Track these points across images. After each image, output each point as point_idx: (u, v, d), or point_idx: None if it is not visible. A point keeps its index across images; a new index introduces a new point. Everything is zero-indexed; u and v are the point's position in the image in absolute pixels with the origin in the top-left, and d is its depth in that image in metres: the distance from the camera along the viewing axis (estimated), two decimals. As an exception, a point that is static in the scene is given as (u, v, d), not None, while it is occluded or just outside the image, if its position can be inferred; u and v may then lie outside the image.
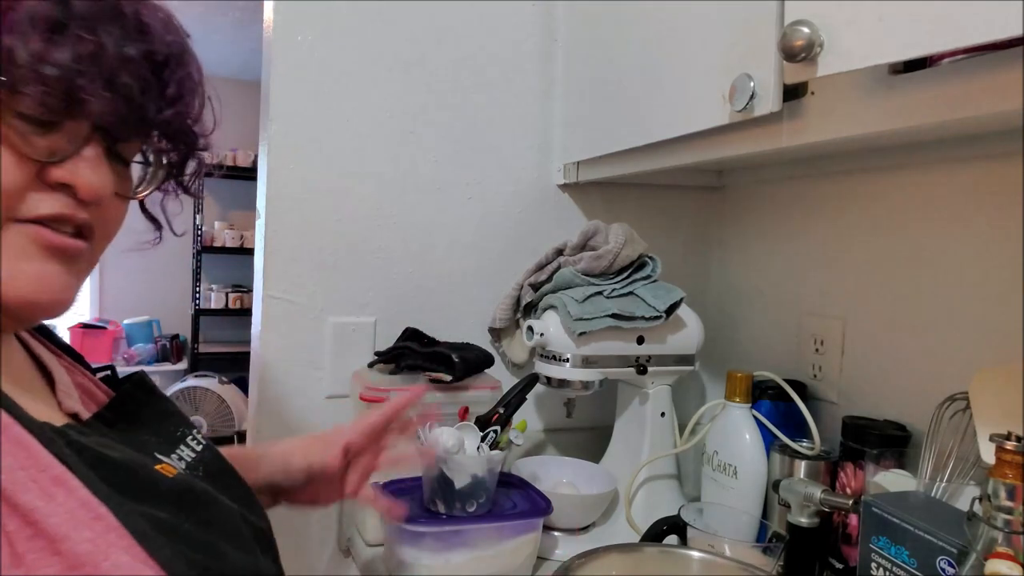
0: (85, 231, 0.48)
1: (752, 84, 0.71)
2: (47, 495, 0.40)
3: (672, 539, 0.86)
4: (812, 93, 0.71)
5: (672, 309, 1.03)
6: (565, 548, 0.97)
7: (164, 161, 0.54)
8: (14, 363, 0.51)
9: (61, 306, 0.48)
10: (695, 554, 0.74)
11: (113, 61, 0.45)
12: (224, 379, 3.97)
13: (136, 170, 0.53)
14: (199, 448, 0.58)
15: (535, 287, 1.16)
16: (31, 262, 0.45)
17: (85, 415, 0.52)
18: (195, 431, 0.60)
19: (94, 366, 0.63)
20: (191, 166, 0.57)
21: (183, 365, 4.41)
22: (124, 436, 0.52)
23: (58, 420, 0.49)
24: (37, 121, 0.44)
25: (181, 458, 0.55)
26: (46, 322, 0.56)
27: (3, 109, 0.43)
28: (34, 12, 0.42)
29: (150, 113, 0.49)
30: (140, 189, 0.54)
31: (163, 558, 0.42)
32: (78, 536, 0.39)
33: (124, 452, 0.48)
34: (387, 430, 0.81)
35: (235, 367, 4.06)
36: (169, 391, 3.78)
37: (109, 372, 0.62)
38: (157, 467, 0.50)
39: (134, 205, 0.56)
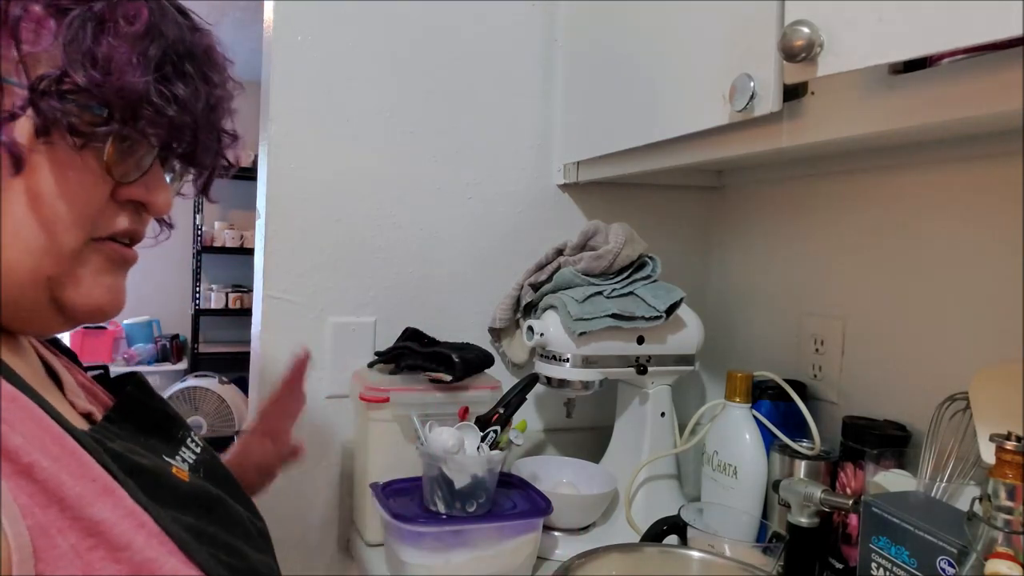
0: (136, 241, 0.53)
1: (752, 84, 0.71)
2: (108, 507, 0.41)
3: (672, 539, 0.86)
4: (812, 93, 0.71)
5: (672, 309, 1.03)
6: (565, 548, 0.97)
7: (189, 171, 0.57)
8: (30, 366, 0.51)
9: (120, 310, 0.53)
10: (695, 554, 0.74)
11: (204, 104, 0.50)
12: (224, 379, 3.97)
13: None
14: (198, 450, 0.59)
15: (535, 287, 1.16)
16: (107, 275, 0.50)
17: (98, 415, 0.53)
18: (193, 433, 0.60)
19: (86, 365, 0.63)
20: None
21: (183, 365, 4.40)
22: (135, 437, 0.52)
23: (76, 421, 0.49)
24: (120, 145, 0.47)
25: (184, 460, 0.56)
26: None
27: (94, 137, 0.45)
28: (145, 51, 0.46)
29: (212, 145, 0.53)
30: None
31: (202, 561, 0.44)
32: (137, 545, 0.41)
33: (148, 457, 0.49)
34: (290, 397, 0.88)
35: (235, 367, 4.05)
36: (169, 391, 3.78)
37: (101, 372, 0.63)
38: (172, 471, 0.50)
39: None
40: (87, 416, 0.52)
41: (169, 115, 0.47)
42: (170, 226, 0.60)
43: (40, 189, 0.44)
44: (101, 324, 4.19)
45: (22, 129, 0.43)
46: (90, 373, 0.63)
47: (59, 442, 0.41)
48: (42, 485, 0.39)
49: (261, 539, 0.56)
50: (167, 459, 0.53)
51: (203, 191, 0.57)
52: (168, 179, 0.54)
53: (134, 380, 0.60)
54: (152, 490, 0.45)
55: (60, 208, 0.45)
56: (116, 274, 0.51)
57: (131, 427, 0.54)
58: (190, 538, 0.44)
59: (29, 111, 0.43)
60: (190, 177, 0.56)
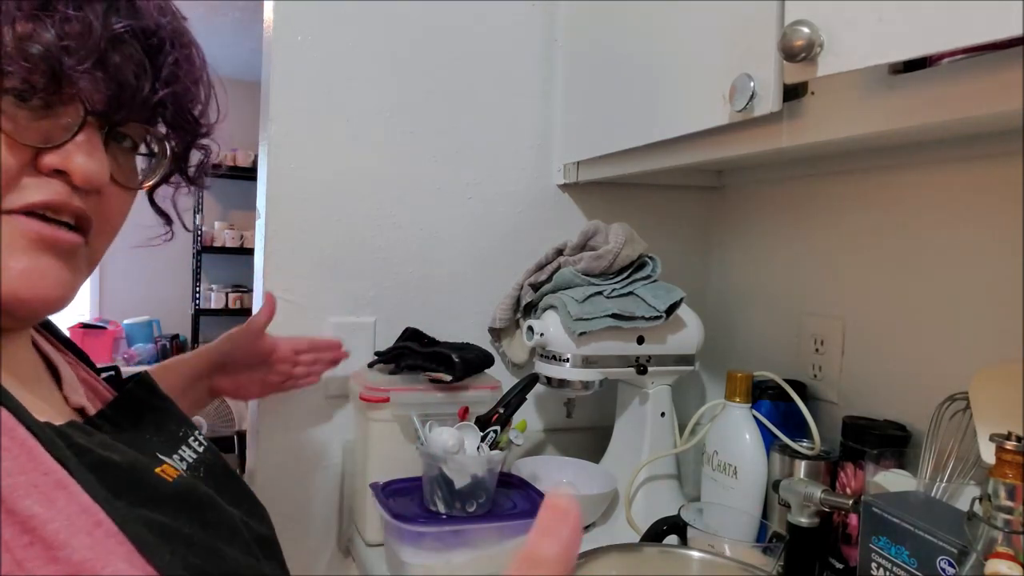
0: (82, 223, 0.47)
1: (752, 84, 0.71)
2: (48, 500, 0.39)
3: (672, 539, 0.86)
4: (812, 93, 0.71)
5: (672, 309, 1.03)
6: (565, 548, 0.97)
7: (167, 149, 0.53)
8: (19, 358, 0.50)
9: (56, 303, 0.46)
10: (695, 554, 0.74)
11: (100, 39, 0.43)
12: (224, 379, 3.96)
13: (140, 161, 0.53)
14: (201, 449, 0.58)
15: (535, 287, 1.16)
16: (22, 256, 0.43)
17: (92, 410, 0.52)
18: (197, 432, 0.60)
19: (99, 366, 0.63)
20: (196, 156, 0.56)
21: (183, 365, 4.40)
22: (127, 435, 0.51)
23: (64, 415, 0.49)
24: (28, 105, 0.42)
25: (183, 459, 0.55)
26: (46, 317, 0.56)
27: None
28: None
29: (143, 93, 0.47)
30: (144, 180, 0.53)
31: (161, 563, 0.41)
32: (77, 543, 0.38)
33: (126, 454, 0.47)
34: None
35: (235, 367, 4.05)
36: (169, 391, 3.77)
37: (113, 372, 0.63)
38: (158, 469, 0.49)
39: (143, 200, 0.56)
40: (80, 411, 0.52)
41: (29, 53, 0.41)
42: (170, 221, 0.57)
43: None
44: (101, 324, 4.20)
45: None
46: (103, 375, 0.62)
47: (9, 433, 0.39)
48: None
49: (257, 544, 0.54)
50: (160, 456, 0.52)
51: (187, 176, 0.54)
52: (151, 160, 0.52)
53: (138, 378, 0.59)
54: (122, 488, 0.43)
55: None
56: (40, 256, 0.44)
57: (126, 424, 0.53)
58: (154, 538, 0.42)
59: None
60: (167, 159, 0.53)
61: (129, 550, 0.40)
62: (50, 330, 0.60)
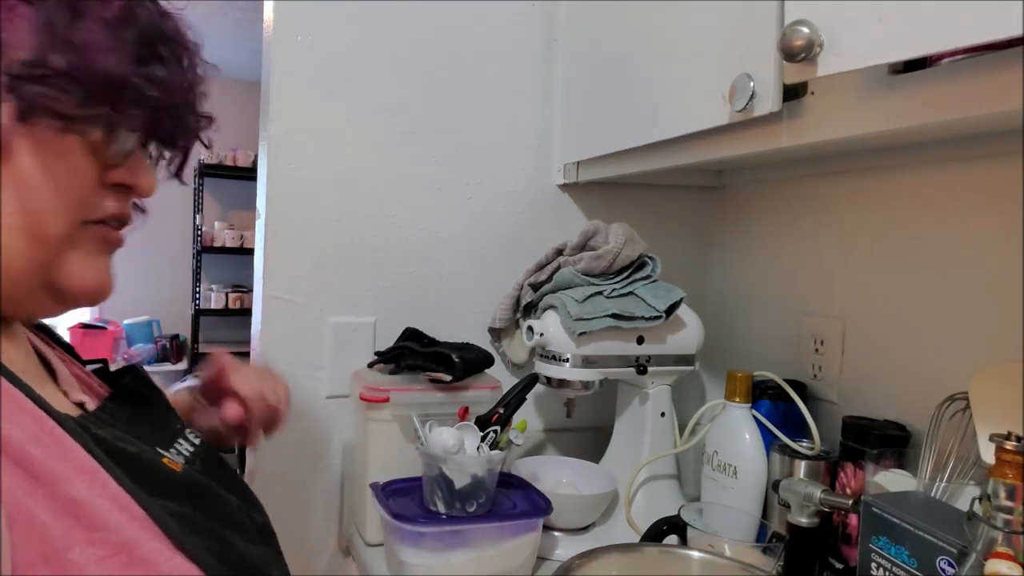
0: (123, 225, 0.53)
1: (752, 84, 0.71)
2: (87, 487, 0.41)
3: (672, 539, 0.86)
4: (812, 93, 0.71)
5: (672, 309, 1.03)
6: (565, 548, 0.97)
7: (173, 155, 0.57)
8: (21, 354, 0.51)
9: (110, 294, 0.53)
10: (695, 554, 0.74)
11: (190, 87, 0.52)
12: (224, 379, 3.96)
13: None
14: (196, 442, 0.59)
15: (535, 287, 1.16)
16: (96, 259, 0.50)
17: (91, 405, 0.53)
18: (189, 426, 0.61)
19: (83, 360, 0.63)
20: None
21: (183, 365, 4.40)
22: (127, 427, 0.52)
23: (66, 409, 0.49)
24: (105, 130, 0.47)
25: (180, 452, 0.56)
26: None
27: (76, 120, 0.46)
28: (122, 34, 0.46)
29: (190, 125, 0.54)
30: None
31: (189, 547, 0.44)
32: (115, 526, 0.41)
33: (137, 445, 0.49)
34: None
35: (235, 367, 4.05)
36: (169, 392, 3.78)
37: (100, 366, 0.63)
38: (163, 460, 0.51)
39: None
40: (80, 405, 0.52)
41: (151, 97, 0.48)
42: (143, 211, 0.59)
43: (25, 174, 0.44)
44: (101, 324, 4.20)
45: (4, 114, 0.43)
46: (89, 367, 0.63)
47: (39, 423, 0.41)
48: (15, 459, 0.39)
49: (258, 533, 0.56)
50: (160, 451, 0.53)
51: (177, 174, 0.57)
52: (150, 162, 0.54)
53: (133, 371, 0.60)
54: (139, 477, 0.45)
55: (47, 193, 0.45)
56: (105, 257, 0.51)
57: (125, 417, 0.54)
58: (178, 525, 0.44)
59: (8, 96, 0.43)
60: (164, 161, 0.56)
61: (157, 534, 0.43)
62: (40, 327, 0.61)
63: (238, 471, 0.63)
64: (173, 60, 0.50)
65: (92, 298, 0.51)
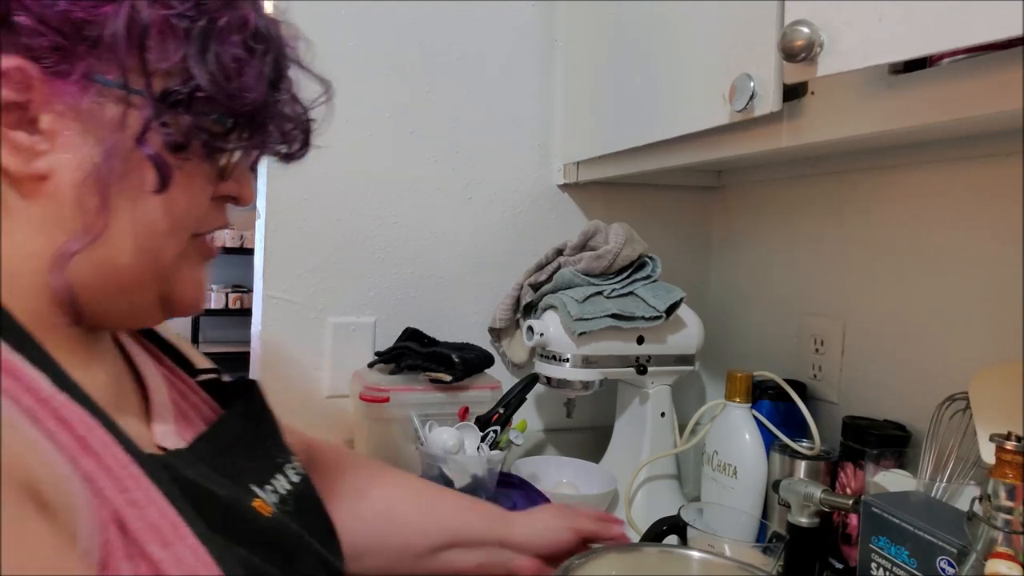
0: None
1: (752, 84, 0.71)
2: (164, 541, 0.39)
3: (672, 539, 0.86)
4: (812, 93, 0.71)
5: (672, 309, 1.03)
6: (565, 548, 0.97)
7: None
8: (108, 378, 0.49)
9: (204, 306, 0.53)
10: (695, 554, 0.73)
11: (304, 112, 0.54)
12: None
13: None
14: (296, 480, 0.56)
15: (535, 287, 1.16)
16: (199, 269, 0.51)
17: (179, 444, 0.49)
18: (293, 458, 0.57)
19: (198, 367, 0.60)
20: None
21: (183, 365, 4.40)
22: (224, 459, 0.50)
23: (151, 438, 0.48)
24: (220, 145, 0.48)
25: (275, 490, 0.53)
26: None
27: (220, 148, 0.47)
28: (262, 61, 0.47)
29: (299, 137, 0.56)
30: None
31: None
32: None
33: (225, 486, 0.46)
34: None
35: (235, 367, 4.03)
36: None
37: (214, 376, 0.60)
38: (254, 503, 0.48)
39: None
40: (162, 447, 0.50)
41: (287, 118, 0.50)
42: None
43: (172, 198, 0.45)
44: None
45: (154, 143, 0.43)
46: (202, 376, 0.59)
47: (124, 468, 0.39)
48: (105, 504, 0.37)
49: None
50: (253, 488, 0.50)
51: (253, 166, 0.58)
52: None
53: (251, 392, 0.57)
54: (223, 523, 0.43)
55: (183, 212, 0.47)
56: (203, 269, 0.52)
57: (225, 444, 0.51)
58: None
59: (157, 124, 0.43)
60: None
61: None
62: (148, 335, 0.59)
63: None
64: (290, 80, 0.52)
65: (194, 309, 0.51)
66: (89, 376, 0.45)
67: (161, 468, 0.42)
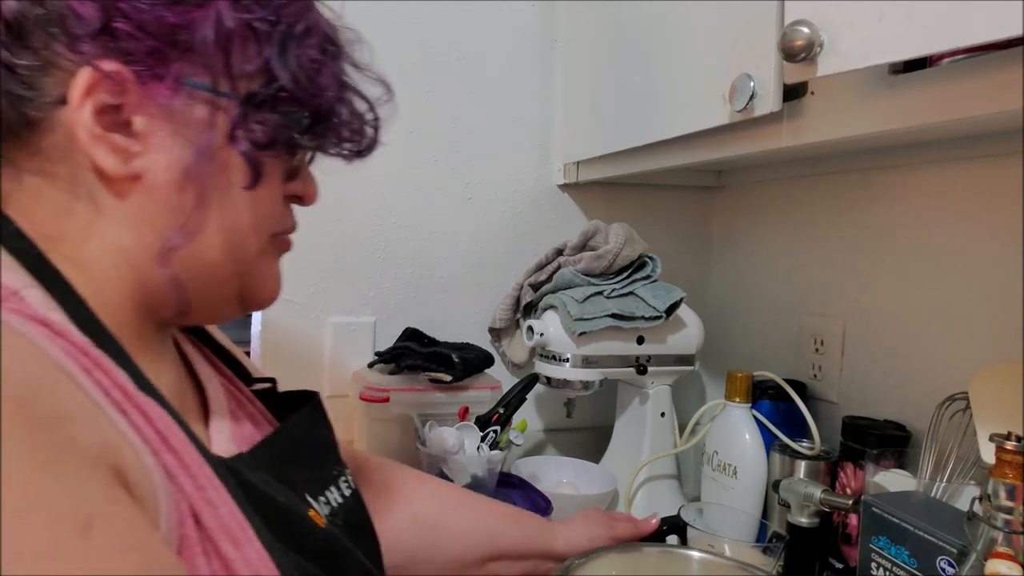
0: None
1: (752, 84, 0.71)
2: (236, 542, 0.39)
3: (672, 539, 0.86)
4: (812, 93, 0.71)
5: (672, 309, 1.03)
6: (565, 548, 0.97)
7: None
8: (175, 379, 0.50)
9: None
10: (695, 554, 0.73)
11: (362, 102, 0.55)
12: (224, 379, 3.96)
13: None
14: (348, 493, 0.56)
15: (535, 287, 1.16)
16: (276, 264, 0.54)
17: (234, 451, 0.49)
18: (347, 471, 0.58)
19: (254, 376, 0.61)
20: None
21: (183, 365, 4.40)
22: (282, 467, 0.50)
23: (209, 443, 0.48)
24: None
25: (328, 502, 0.53)
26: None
27: (299, 148, 0.50)
28: (332, 62, 0.50)
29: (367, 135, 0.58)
30: None
31: None
32: None
33: (285, 493, 0.47)
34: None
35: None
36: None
37: (269, 385, 0.61)
38: (309, 513, 0.48)
39: None
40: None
41: (357, 116, 0.53)
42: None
43: (255, 195, 0.47)
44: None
45: (243, 142, 0.45)
46: (256, 386, 0.60)
47: (198, 468, 0.40)
48: (184, 499, 0.38)
49: None
50: (308, 498, 0.50)
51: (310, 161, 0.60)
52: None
53: (312, 402, 0.58)
54: (281, 530, 0.43)
55: (264, 209, 0.49)
56: (278, 263, 0.54)
57: (281, 453, 0.51)
58: None
59: (242, 123, 0.45)
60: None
61: None
62: (205, 340, 0.59)
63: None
64: (354, 80, 0.53)
65: (270, 302, 0.53)
66: (159, 376, 0.46)
67: (227, 471, 0.42)
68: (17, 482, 0.28)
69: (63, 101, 0.41)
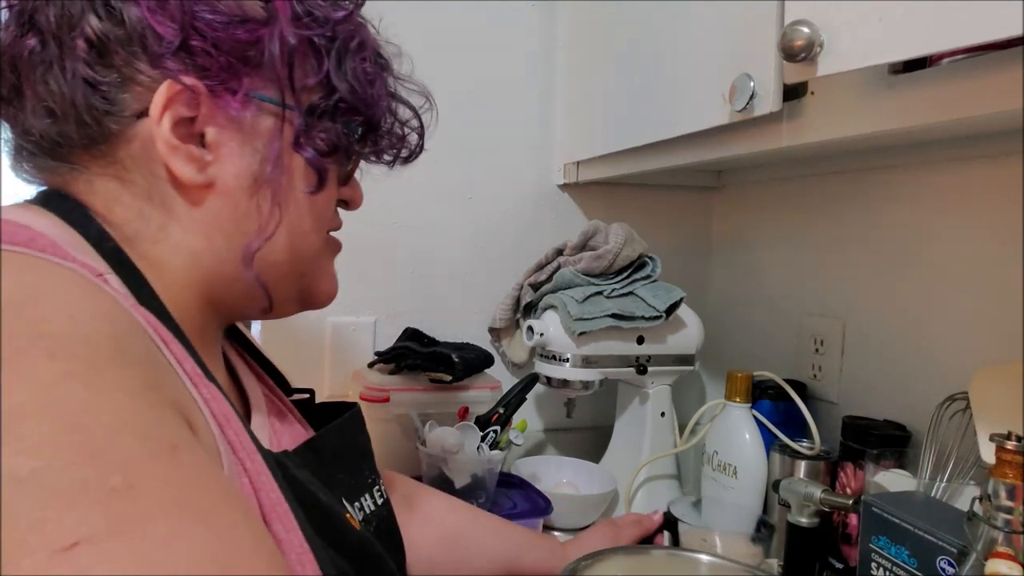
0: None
1: (752, 84, 0.71)
2: (285, 528, 0.41)
3: (665, 536, 0.86)
4: (812, 93, 0.71)
5: (672, 309, 1.03)
6: (565, 548, 0.97)
7: None
8: (222, 379, 0.51)
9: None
10: (703, 557, 0.73)
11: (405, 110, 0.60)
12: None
13: None
14: (380, 502, 0.58)
15: (535, 287, 1.16)
16: (331, 263, 0.58)
17: (282, 441, 0.52)
18: (380, 481, 0.60)
19: (292, 387, 0.63)
20: None
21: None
22: (322, 469, 0.52)
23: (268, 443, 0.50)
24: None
25: (362, 508, 0.55)
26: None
27: (357, 155, 0.55)
28: (383, 74, 0.55)
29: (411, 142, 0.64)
30: None
31: None
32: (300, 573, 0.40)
33: (326, 493, 0.49)
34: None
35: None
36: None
37: (307, 396, 0.64)
38: (346, 516, 0.50)
39: None
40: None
41: (403, 124, 0.57)
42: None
43: (315, 199, 0.51)
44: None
45: (308, 151, 0.49)
46: (295, 396, 0.62)
47: (251, 456, 0.42)
48: (244, 474, 0.40)
49: None
50: (345, 502, 0.52)
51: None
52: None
53: (352, 412, 0.60)
54: (321, 528, 0.45)
55: (323, 212, 0.53)
56: (333, 262, 0.58)
57: (324, 457, 0.53)
58: None
59: (311, 134, 0.48)
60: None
61: None
62: (249, 348, 0.62)
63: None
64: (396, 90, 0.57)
65: (329, 301, 0.58)
66: (215, 374, 0.47)
67: (276, 464, 0.44)
68: (110, 404, 0.31)
69: (141, 114, 0.44)
